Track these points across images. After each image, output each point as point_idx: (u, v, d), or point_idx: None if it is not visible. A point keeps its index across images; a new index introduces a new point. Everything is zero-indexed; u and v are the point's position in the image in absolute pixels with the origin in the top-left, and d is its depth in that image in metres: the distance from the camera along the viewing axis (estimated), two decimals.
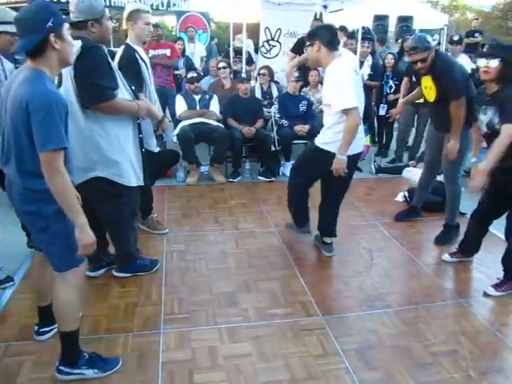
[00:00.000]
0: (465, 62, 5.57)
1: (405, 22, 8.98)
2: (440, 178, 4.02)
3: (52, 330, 2.41)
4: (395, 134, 6.29)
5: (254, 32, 7.78)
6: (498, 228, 3.34)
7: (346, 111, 2.87)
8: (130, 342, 2.43)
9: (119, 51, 3.32)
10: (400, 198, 4.64)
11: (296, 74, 5.34)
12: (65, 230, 1.96)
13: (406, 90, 5.64)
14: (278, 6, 6.28)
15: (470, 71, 4.18)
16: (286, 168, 5.38)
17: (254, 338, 2.49)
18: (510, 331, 2.63)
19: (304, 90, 5.74)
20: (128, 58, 3.22)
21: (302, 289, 2.99)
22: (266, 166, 5.30)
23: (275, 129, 5.35)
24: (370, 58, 6.13)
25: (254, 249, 3.54)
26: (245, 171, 5.30)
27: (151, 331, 2.53)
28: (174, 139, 5.09)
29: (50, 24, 1.78)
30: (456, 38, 6.13)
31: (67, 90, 2.46)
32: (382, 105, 6.24)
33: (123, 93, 2.68)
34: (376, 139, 6.63)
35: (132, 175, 2.78)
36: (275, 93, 5.89)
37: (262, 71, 5.92)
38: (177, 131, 5.03)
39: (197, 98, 5.25)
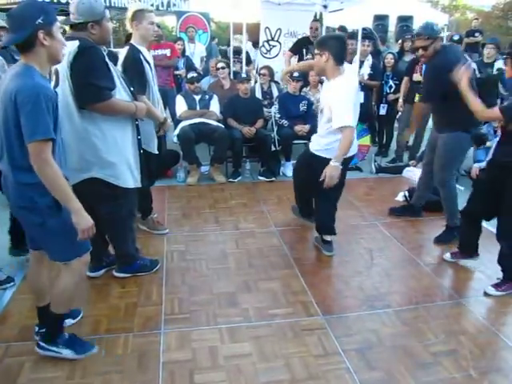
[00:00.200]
0: None
1: (405, 21, 8.99)
2: None
3: None
4: (395, 133, 6.30)
5: (253, 32, 7.79)
6: None
7: (342, 128, 3.01)
8: (130, 342, 2.43)
9: (123, 52, 3.31)
10: (400, 197, 4.64)
11: (296, 74, 5.34)
12: (61, 224, 2.00)
13: (406, 89, 5.66)
14: (278, 6, 6.29)
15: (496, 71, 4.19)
16: (287, 168, 5.39)
17: (255, 338, 2.49)
18: (511, 331, 2.62)
19: (304, 90, 5.74)
20: (132, 58, 3.20)
21: (303, 289, 2.99)
22: (266, 166, 5.30)
23: (275, 129, 5.35)
24: (370, 57, 6.13)
25: (254, 249, 3.54)
26: (245, 171, 5.30)
27: (152, 331, 2.53)
28: (175, 139, 5.09)
29: (39, 21, 1.85)
30: (456, 37, 6.15)
31: (64, 90, 2.45)
32: (382, 104, 6.24)
33: (121, 93, 2.65)
34: (376, 139, 6.64)
35: (129, 177, 2.75)
36: (275, 93, 5.89)
37: (262, 71, 5.92)
38: (177, 131, 5.03)
39: (197, 98, 5.25)
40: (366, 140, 5.76)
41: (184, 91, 5.60)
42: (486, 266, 3.28)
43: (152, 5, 10.09)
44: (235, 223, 4.01)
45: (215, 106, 5.31)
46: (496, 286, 2.98)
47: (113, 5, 9.03)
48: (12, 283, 2.93)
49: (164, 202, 4.42)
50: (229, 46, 8.33)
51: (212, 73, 6.32)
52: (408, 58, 6.12)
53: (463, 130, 3.42)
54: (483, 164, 4.08)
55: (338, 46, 3.05)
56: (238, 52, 7.19)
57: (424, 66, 5.17)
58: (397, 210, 4.25)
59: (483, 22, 15.67)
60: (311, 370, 2.26)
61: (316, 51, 3.16)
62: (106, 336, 2.47)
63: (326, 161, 3.08)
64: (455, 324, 2.67)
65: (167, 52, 6.22)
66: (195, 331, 2.54)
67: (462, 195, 3.66)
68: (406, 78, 5.62)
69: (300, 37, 6.34)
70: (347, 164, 3.34)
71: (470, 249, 3.30)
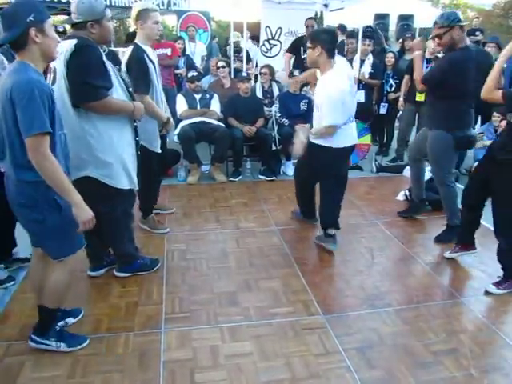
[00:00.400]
0: None
1: (405, 20, 8.98)
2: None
3: None
4: (396, 132, 6.29)
5: (253, 31, 7.79)
6: None
7: (327, 127, 3.18)
8: (131, 342, 2.43)
9: (127, 51, 3.32)
10: (401, 196, 4.64)
11: (296, 73, 5.34)
12: (61, 221, 2.03)
13: (406, 88, 5.65)
14: (279, 4, 6.28)
15: None
16: (287, 167, 5.39)
17: (255, 337, 2.49)
18: (511, 329, 2.62)
19: (305, 89, 5.73)
20: (136, 58, 3.20)
21: (303, 288, 2.99)
22: (266, 165, 5.30)
23: (276, 128, 5.35)
24: (370, 56, 6.12)
25: (254, 248, 3.54)
26: (246, 170, 5.30)
27: (152, 330, 2.53)
28: (175, 139, 5.09)
29: (30, 18, 1.87)
30: None
31: (60, 87, 2.45)
32: (382, 103, 6.24)
33: (119, 93, 2.63)
34: (377, 138, 6.63)
35: (124, 178, 2.72)
36: (276, 92, 5.89)
37: (262, 70, 5.92)
38: (177, 131, 5.03)
39: (197, 97, 5.24)
40: (367, 139, 5.75)
41: (184, 90, 5.59)
42: (486, 265, 3.28)
43: (152, 3, 10.09)
44: (236, 222, 4.01)
45: (216, 105, 5.30)
46: (497, 284, 2.98)
47: (113, 4, 9.01)
48: (13, 282, 2.93)
49: (165, 201, 4.42)
50: (226, 46, 8.33)
51: (212, 72, 6.32)
52: (409, 56, 6.11)
53: (446, 131, 3.43)
54: None
55: (329, 39, 3.12)
56: (237, 51, 7.19)
57: (424, 66, 5.18)
58: (403, 212, 4.24)
59: (484, 21, 15.65)
60: (312, 369, 2.26)
61: (308, 45, 3.22)
62: (107, 335, 2.47)
63: (325, 148, 3.25)
64: (456, 323, 2.67)
65: (168, 51, 6.22)
66: (196, 330, 2.54)
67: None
68: (406, 77, 5.61)
69: (296, 37, 6.32)
70: (343, 155, 3.43)
71: (466, 237, 3.30)
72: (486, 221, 3.32)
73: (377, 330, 2.57)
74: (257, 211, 4.27)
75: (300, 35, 6.20)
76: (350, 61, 5.63)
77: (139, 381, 2.17)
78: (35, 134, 1.84)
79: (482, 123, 5.68)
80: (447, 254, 3.39)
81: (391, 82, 6.13)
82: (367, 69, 6.01)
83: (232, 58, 6.59)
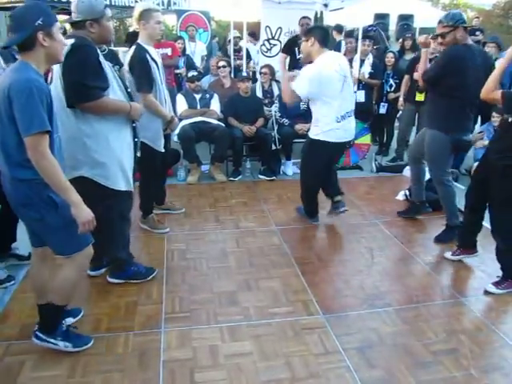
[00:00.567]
0: None
1: (405, 20, 8.96)
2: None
3: None
4: (396, 132, 6.29)
5: (253, 30, 7.78)
6: None
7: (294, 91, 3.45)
8: (130, 341, 2.43)
9: (130, 51, 3.34)
10: (401, 196, 4.64)
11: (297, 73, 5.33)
12: (60, 219, 2.01)
13: (406, 88, 5.65)
14: (279, 4, 6.27)
15: None
16: (287, 167, 5.39)
17: (255, 336, 2.49)
18: (511, 329, 2.62)
19: None
20: (139, 58, 3.23)
21: (303, 287, 2.99)
22: (266, 165, 5.29)
23: (276, 128, 5.35)
24: (370, 56, 6.12)
25: (254, 248, 3.54)
26: (245, 170, 5.30)
27: (152, 330, 2.53)
28: (175, 138, 5.08)
29: (39, 22, 1.88)
30: None
31: (57, 87, 2.44)
32: (382, 103, 6.23)
33: (116, 93, 2.60)
34: (377, 138, 6.63)
35: (120, 179, 2.66)
36: (276, 91, 5.88)
37: (262, 70, 5.92)
38: (177, 130, 5.01)
39: (197, 96, 5.25)
40: (367, 139, 5.75)
41: (184, 90, 5.59)
42: (486, 265, 3.28)
43: (152, 3, 10.08)
44: (236, 222, 4.01)
45: (216, 104, 5.30)
46: (496, 283, 2.98)
47: (113, 3, 9.00)
48: (12, 282, 2.93)
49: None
50: (223, 46, 8.32)
51: (212, 71, 6.32)
52: (408, 56, 6.11)
53: (445, 132, 3.44)
54: None
55: (322, 32, 3.49)
56: (237, 50, 7.17)
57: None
58: (403, 212, 4.23)
59: (484, 21, 15.66)
60: (311, 369, 2.26)
61: (303, 39, 3.53)
62: (107, 335, 2.47)
63: (323, 143, 3.53)
64: (455, 323, 2.67)
65: (168, 51, 6.21)
66: (196, 330, 2.54)
67: (463, 194, 3.65)
68: (406, 77, 5.62)
69: (289, 37, 6.30)
70: (342, 150, 3.76)
71: (468, 241, 3.30)
72: (486, 221, 3.32)
73: (376, 330, 2.57)
74: (257, 211, 4.27)
75: (294, 35, 6.18)
76: (350, 61, 5.62)
77: (139, 380, 2.17)
78: (35, 132, 1.83)
79: (482, 123, 5.67)
80: (448, 256, 3.39)
81: (391, 81, 6.12)
82: (367, 69, 6.01)
83: (232, 57, 6.58)
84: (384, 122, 6.41)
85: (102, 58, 2.50)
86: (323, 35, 3.45)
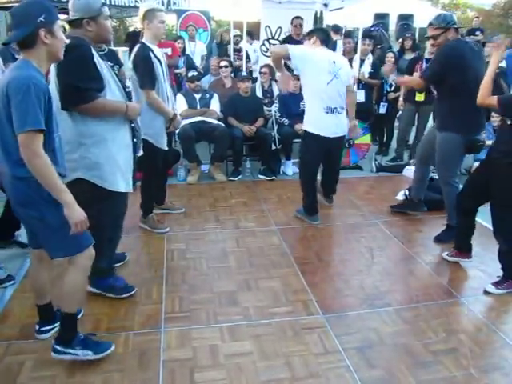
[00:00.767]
0: None
1: (405, 20, 8.96)
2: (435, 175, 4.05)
3: (53, 328, 2.41)
4: (396, 132, 6.29)
5: (253, 30, 7.77)
6: None
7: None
8: (130, 341, 2.43)
9: (134, 50, 3.43)
10: (401, 196, 4.63)
11: (297, 73, 5.32)
12: (60, 218, 1.98)
13: (406, 88, 5.65)
14: (279, 4, 6.27)
15: None
16: (287, 167, 5.39)
17: (255, 336, 2.49)
18: (511, 329, 2.62)
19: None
20: (142, 56, 3.32)
21: (303, 287, 2.99)
22: (266, 165, 5.29)
23: (276, 127, 5.35)
24: (370, 55, 6.12)
25: (254, 247, 3.54)
26: (245, 170, 5.30)
27: (152, 330, 2.53)
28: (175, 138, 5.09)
29: (40, 19, 1.86)
30: None
31: (53, 89, 2.36)
32: (382, 103, 6.24)
33: (115, 93, 2.54)
34: (376, 138, 6.63)
35: (118, 180, 2.58)
36: (276, 91, 5.89)
37: (262, 70, 5.92)
38: (177, 130, 5.03)
39: (197, 96, 5.25)
40: (367, 139, 5.75)
41: (184, 90, 5.59)
42: (486, 265, 3.28)
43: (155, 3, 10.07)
44: (235, 222, 4.01)
45: (215, 104, 5.30)
46: (496, 284, 2.98)
47: (113, 3, 8.99)
48: (12, 281, 2.93)
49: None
50: (223, 44, 8.32)
51: (212, 71, 6.31)
52: (408, 56, 6.11)
53: (456, 133, 3.42)
54: None
55: (323, 32, 3.83)
56: (237, 49, 7.18)
57: (424, 65, 5.18)
58: (397, 206, 4.25)
59: (484, 21, 15.64)
60: (311, 369, 2.26)
61: (306, 38, 3.85)
62: (107, 335, 2.47)
63: (313, 135, 3.72)
64: (455, 322, 2.67)
65: (168, 51, 6.20)
66: (195, 330, 2.54)
67: None
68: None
69: (284, 36, 6.29)
70: (335, 146, 3.84)
71: (463, 244, 3.28)
72: (486, 221, 3.32)
73: (376, 330, 2.57)
74: (256, 211, 4.27)
75: (287, 35, 6.18)
76: (350, 61, 5.62)
77: (139, 380, 2.17)
78: (27, 130, 1.81)
79: None
80: (444, 255, 3.39)
81: (391, 81, 6.12)
82: (367, 68, 6.02)
83: (232, 57, 6.58)
84: (384, 121, 6.41)
85: (97, 58, 2.43)
86: (325, 36, 3.75)
